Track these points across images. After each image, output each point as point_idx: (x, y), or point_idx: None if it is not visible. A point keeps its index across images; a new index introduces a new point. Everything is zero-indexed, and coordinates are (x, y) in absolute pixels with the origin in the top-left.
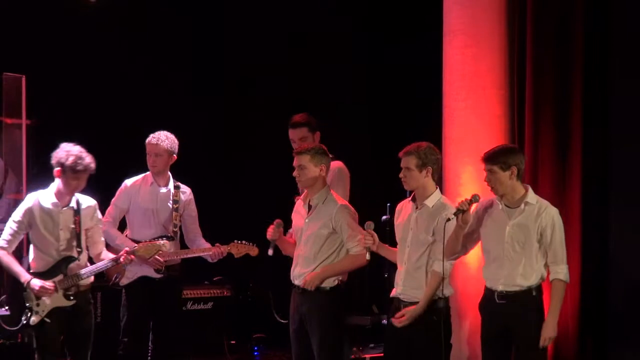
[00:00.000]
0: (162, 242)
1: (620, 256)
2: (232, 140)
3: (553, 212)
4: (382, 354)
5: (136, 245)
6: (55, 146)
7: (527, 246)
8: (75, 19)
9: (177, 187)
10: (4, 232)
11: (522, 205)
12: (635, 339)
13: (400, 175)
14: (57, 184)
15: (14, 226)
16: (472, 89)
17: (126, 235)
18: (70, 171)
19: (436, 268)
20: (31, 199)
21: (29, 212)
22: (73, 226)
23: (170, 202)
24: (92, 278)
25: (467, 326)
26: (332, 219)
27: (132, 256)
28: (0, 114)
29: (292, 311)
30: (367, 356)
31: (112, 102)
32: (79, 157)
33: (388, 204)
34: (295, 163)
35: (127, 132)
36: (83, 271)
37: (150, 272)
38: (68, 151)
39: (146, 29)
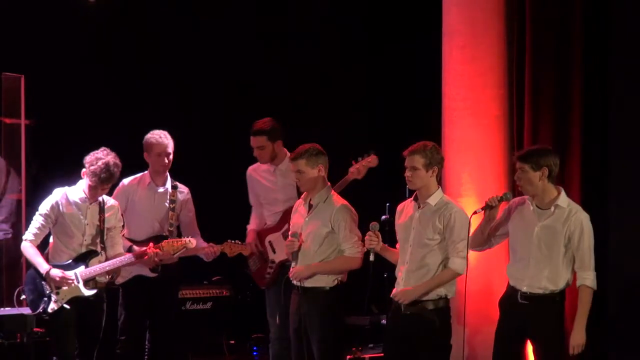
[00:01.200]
0: (188, 239)
1: (619, 257)
2: (229, 140)
3: (583, 216)
4: (381, 354)
5: (131, 244)
6: (54, 146)
7: (554, 249)
8: (75, 18)
9: (174, 187)
10: (31, 225)
11: (552, 208)
12: (635, 340)
13: (406, 174)
14: (85, 181)
15: (41, 220)
16: (471, 89)
17: (123, 235)
18: (92, 176)
19: (452, 265)
20: (59, 193)
21: (56, 206)
22: (98, 223)
23: (167, 201)
24: (107, 276)
25: (468, 326)
26: (332, 218)
27: (159, 250)
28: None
29: (292, 311)
30: (367, 356)
31: (112, 102)
32: (105, 166)
33: (387, 204)
34: (292, 169)
35: (126, 132)
36: (105, 264)
37: (145, 272)
38: (99, 158)
39: (145, 28)
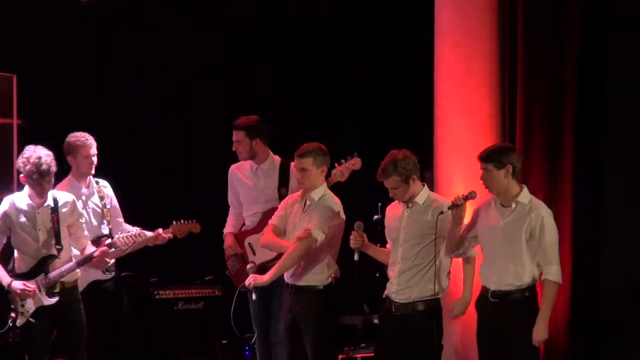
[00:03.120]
0: (138, 232)
1: (612, 258)
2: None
3: (543, 212)
4: (372, 354)
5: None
6: (46, 146)
7: (516, 245)
8: (67, 18)
9: (97, 183)
10: None
11: (514, 205)
12: (627, 343)
13: (391, 195)
14: (27, 187)
15: None
16: (463, 89)
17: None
18: (29, 178)
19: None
20: (7, 202)
21: (5, 216)
22: (51, 225)
23: (98, 201)
24: (78, 273)
25: (458, 326)
26: (319, 214)
27: (170, 235)
28: None
29: (285, 310)
30: (359, 356)
31: (103, 102)
32: (36, 164)
33: (379, 204)
34: (297, 166)
35: (117, 132)
36: (62, 268)
37: (99, 275)
38: (27, 157)
39: (139, 28)
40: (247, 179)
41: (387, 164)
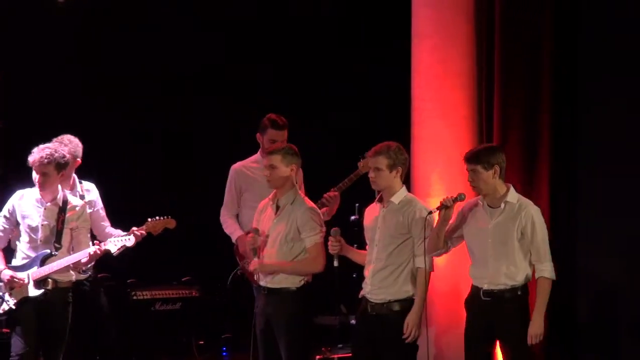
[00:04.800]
0: (167, 218)
1: (588, 260)
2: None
3: (533, 210)
4: (350, 354)
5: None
6: (25, 148)
7: (508, 245)
8: (46, 19)
9: (79, 183)
10: None
11: (502, 205)
12: (603, 345)
13: (370, 174)
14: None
15: (2, 221)
16: (440, 90)
17: None
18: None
19: (418, 264)
20: (18, 195)
21: (12, 208)
22: (55, 224)
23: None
24: (72, 276)
25: (434, 327)
26: (297, 220)
27: (144, 231)
28: None
29: (258, 312)
30: (335, 356)
31: (84, 103)
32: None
33: (357, 204)
34: (266, 163)
35: (99, 134)
36: (51, 265)
37: (77, 276)
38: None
39: (120, 29)
40: (256, 175)
41: (382, 146)
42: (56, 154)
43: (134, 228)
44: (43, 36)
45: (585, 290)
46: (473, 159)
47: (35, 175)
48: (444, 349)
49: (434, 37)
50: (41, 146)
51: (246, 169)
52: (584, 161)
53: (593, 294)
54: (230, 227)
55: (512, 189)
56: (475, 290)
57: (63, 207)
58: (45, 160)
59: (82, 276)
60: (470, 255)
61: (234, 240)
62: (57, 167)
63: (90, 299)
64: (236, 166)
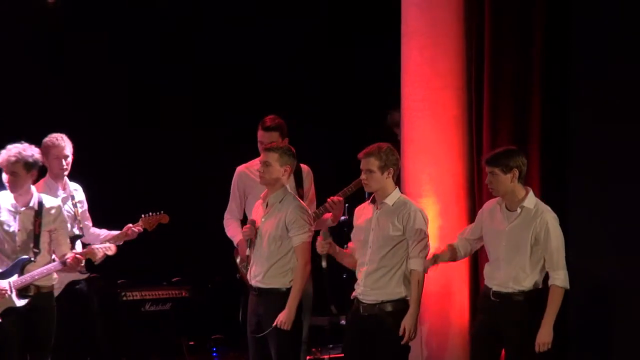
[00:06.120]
0: (160, 214)
1: (580, 258)
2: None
3: (549, 217)
4: (341, 355)
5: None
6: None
7: (521, 250)
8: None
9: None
10: None
11: (519, 210)
12: (595, 342)
13: (362, 177)
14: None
15: None
16: (429, 90)
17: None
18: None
19: (413, 266)
20: None
21: None
22: (32, 228)
23: (70, 202)
24: (55, 279)
25: (426, 327)
26: (286, 218)
27: (140, 228)
28: None
29: (250, 312)
30: (326, 357)
31: (47, 103)
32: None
33: (346, 205)
34: (261, 159)
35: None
36: (35, 272)
37: (75, 275)
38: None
39: (96, 28)
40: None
41: (373, 147)
42: (24, 153)
43: (130, 225)
44: (27, 34)
45: (577, 289)
46: (492, 161)
47: (5, 176)
48: (435, 349)
49: (424, 36)
50: (9, 146)
51: (250, 172)
52: (574, 160)
53: (584, 293)
54: (233, 231)
55: (530, 193)
56: (486, 289)
57: (39, 211)
58: (13, 158)
59: (82, 276)
60: (487, 254)
61: (235, 244)
62: (26, 166)
63: (82, 298)
64: (240, 169)
